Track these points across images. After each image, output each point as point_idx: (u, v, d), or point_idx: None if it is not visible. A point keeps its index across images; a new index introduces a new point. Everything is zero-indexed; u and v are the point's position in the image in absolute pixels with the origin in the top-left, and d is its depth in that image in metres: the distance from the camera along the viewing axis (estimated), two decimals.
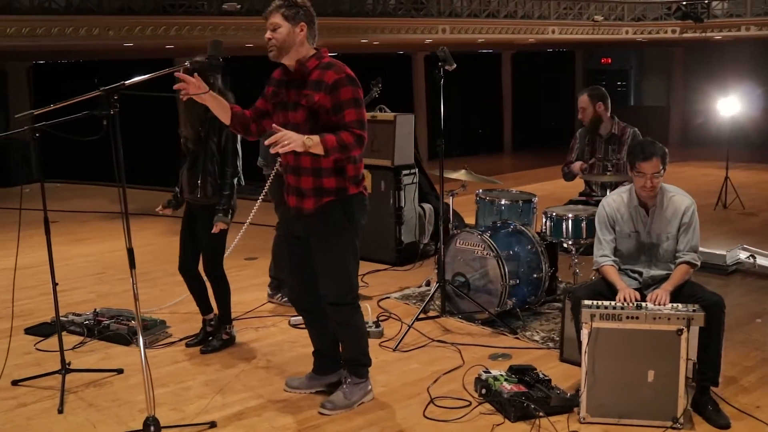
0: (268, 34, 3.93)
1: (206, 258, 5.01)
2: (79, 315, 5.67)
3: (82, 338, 5.40)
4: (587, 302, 4.04)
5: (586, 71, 25.58)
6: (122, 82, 3.65)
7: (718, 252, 6.77)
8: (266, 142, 3.74)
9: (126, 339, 5.29)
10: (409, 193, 7.11)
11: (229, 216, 4.85)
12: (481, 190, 6.14)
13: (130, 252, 3.76)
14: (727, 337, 5.12)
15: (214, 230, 4.76)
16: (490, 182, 5.97)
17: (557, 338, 5.10)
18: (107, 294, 6.50)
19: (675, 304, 3.98)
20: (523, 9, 18.11)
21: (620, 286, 4.19)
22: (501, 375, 4.34)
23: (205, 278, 5.11)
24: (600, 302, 4.03)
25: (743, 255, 6.88)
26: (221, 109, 4.07)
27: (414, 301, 6.07)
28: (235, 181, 4.87)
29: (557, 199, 7.32)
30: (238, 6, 13.80)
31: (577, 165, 5.92)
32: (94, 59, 16.06)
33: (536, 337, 5.23)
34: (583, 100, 6.00)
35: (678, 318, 3.86)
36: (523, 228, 5.66)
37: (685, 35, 19.39)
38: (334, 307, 4.12)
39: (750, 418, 4.05)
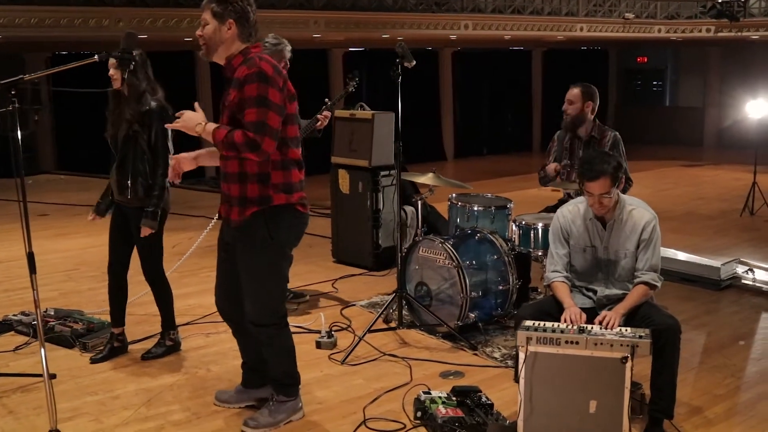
0: (198, 31, 3.69)
1: (143, 261, 4.77)
2: (28, 314, 5.48)
3: (27, 339, 5.22)
4: (528, 323, 3.72)
5: (621, 70, 24.92)
6: (21, 76, 3.44)
7: (712, 264, 6.34)
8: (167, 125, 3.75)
9: (69, 342, 5.09)
10: (387, 195, 6.81)
11: (158, 219, 4.58)
12: (454, 195, 5.82)
13: (30, 257, 3.55)
14: (703, 361, 4.80)
15: (142, 234, 4.53)
16: (460, 186, 5.64)
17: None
18: (70, 292, 6.33)
19: (623, 329, 3.64)
20: (551, 5, 17.59)
21: (567, 304, 3.86)
22: (440, 397, 4.04)
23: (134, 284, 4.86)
24: (541, 324, 3.70)
25: (740, 269, 6.45)
26: (213, 155, 3.93)
27: (379, 310, 5.76)
28: (167, 181, 4.60)
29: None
30: None
31: (552, 166, 5.55)
32: (103, 51, 15.94)
33: (496, 354, 4.90)
34: (575, 93, 5.56)
35: (621, 344, 3.51)
36: (490, 236, 5.32)
37: (720, 34, 18.69)
38: (255, 327, 3.87)
39: None
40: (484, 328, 5.20)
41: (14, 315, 5.53)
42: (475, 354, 4.92)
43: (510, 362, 4.75)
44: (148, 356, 4.88)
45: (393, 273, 6.75)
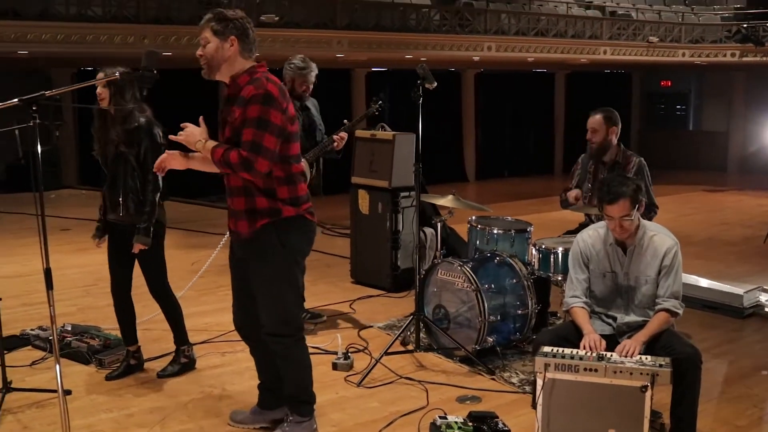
0: (198, 51, 3.70)
1: (147, 277, 4.74)
2: (45, 329, 5.49)
3: (43, 354, 5.22)
4: (546, 349, 3.67)
5: (644, 94, 24.83)
6: (42, 93, 3.45)
7: (735, 292, 6.25)
8: (171, 137, 3.72)
9: (85, 358, 5.09)
10: (407, 216, 6.77)
11: (152, 234, 4.55)
12: (474, 218, 5.77)
13: (48, 273, 3.55)
14: (724, 390, 4.71)
15: (134, 250, 4.51)
16: (479, 209, 5.60)
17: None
18: (87, 308, 6.34)
19: (643, 357, 3.58)
20: (574, 28, 17.62)
21: (586, 330, 3.81)
22: (455, 422, 3.99)
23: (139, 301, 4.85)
24: (559, 350, 3.66)
25: (763, 297, 6.35)
26: (205, 161, 3.85)
27: (397, 333, 5.72)
28: (157, 197, 4.58)
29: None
30: (276, 18, 13.69)
31: (572, 194, 5.49)
32: (135, 67, 16.12)
33: (514, 380, 4.84)
34: (597, 121, 5.48)
35: (642, 373, 3.46)
36: (510, 260, 5.27)
37: (744, 59, 18.62)
38: (271, 337, 3.84)
39: None
40: (502, 353, 5.14)
41: (32, 329, 5.54)
42: (493, 379, 4.86)
43: (528, 388, 4.68)
44: (163, 374, 4.87)
45: (411, 295, 6.71)
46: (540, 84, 22.45)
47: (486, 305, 4.94)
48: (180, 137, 3.71)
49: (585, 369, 3.51)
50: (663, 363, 3.50)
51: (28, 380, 4.81)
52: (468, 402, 4.52)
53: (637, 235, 3.93)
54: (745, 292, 6.21)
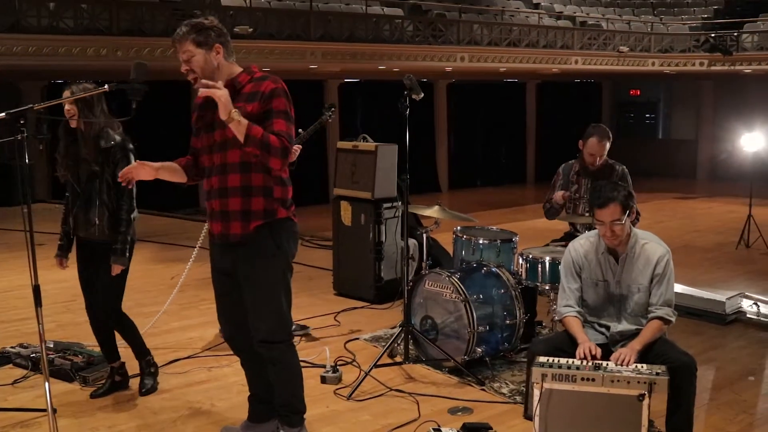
0: (183, 66, 3.64)
1: (103, 299, 4.60)
2: (26, 347, 5.39)
3: (25, 372, 5.12)
4: (542, 359, 3.66)
5: (614, 103, 25.08)
6: (30, 105, 3.39)
7: (717, 299, 6.30)
8: (202, 82, 3.52)
9: (69, 375, 4.99)
10: (390, 227, 6.76)
11: (128, 254, 4.48)
12: (458, 228, 5.77)
13: (36, 289, 3.47)
14: (713, 397, 4.74)
15: (113, 272, 4.42)
16: (465, 219, 5.60)
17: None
18: (68, 324, 6.23)
19: (639, 366, 3.59)
20: (546, 38, 17.73)
21: (581, 339, 3.81)
22: None
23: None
24: (555, 360, 3.65)
25: (745, 303, 6.41)
26: (174, 171, 3.84)
27: (383, 344, 5.68)
28: (132, 216, 4.51)
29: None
30: (250, 29, 13.63)
31: (559, 194, 5.51)
32: (108, 80, 15.96)
33: (504, 390, 4.82)
34: (603, 146, 5.47)
35: (639, 381, 3.46)
36: (497, 270, 5.27)
37: (713, 68, 18.87)
38: (265, 345, 3.78)
39: None
40: (491, 363, 5.13)
41: (12, 347, 5.43)
42: (483, 389, 4.84)
43: (519, 398, 4.68)
44: (145, 392, 4.76)
45: (395, 306, 6.70)
46: (511, 94, 22.58)
47: (475, 315, 4.93)
48: (218, 94, 3.46)
49: (582, 378, 3.51)
50: (660, 371, 3.51)
51: (11, 399, 4.72)
52: (459, 413, 4.50)
53: (628, 243, 3.94)
54: (727, 299, 6.27)
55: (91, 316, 4.72)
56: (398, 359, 5.31)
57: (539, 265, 5.10)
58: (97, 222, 4.43)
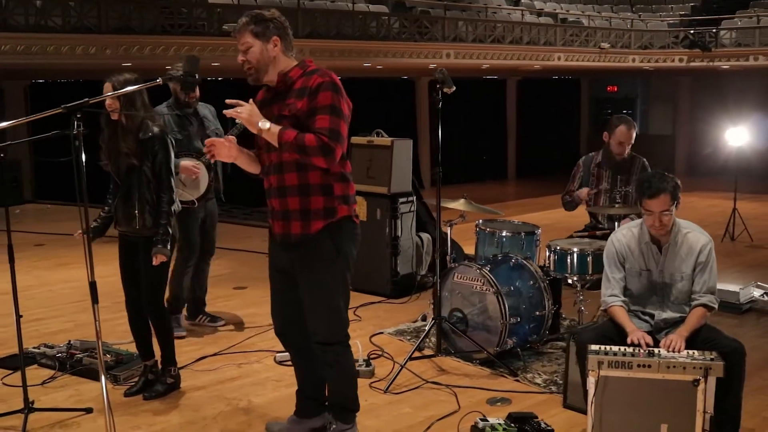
0: (240, 57, 3.62)
1: (147, 293, 4.57)
2: (51, 347, 5.33)
3: (53, 372, 5.06)
4: (594, 347, 3.70)
5: (592, 99, 25.33)
6: (86, 99, 3.36)
7: (731, 289, 6.40)
8: (226, 112, 3.50)
9: (99, 374, 4.93)
10: (406, 222, 6.78)
11: (169, 246, 4.46)
12: (481, 221, 5.81)
13: (93, 285, 3.45)
14: (745, 384, 4.79)
15: (155, 262, 4.37)
16: (490, 212, 5.64)
17: (560, 382, 4.76)
18: (86, 324, 6.15)
19: (691, 352, 3.64)
20: (529, 35, 17.85)
21: (630, 328, 3.86)
22: (499, 424, 4.00)
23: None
24: (608, 347, 3.69)
25: (757, 293, 6.53)
26: (252, 160, 3.79)
27: (409, 338, 5.71)
28: (173, 207, 4.48)
29: (564, 229, 7.00)
30: None
31: (584, 191, 5.59)
32: (93, 79, 15.81)
33: (538, 380, 4.87)
34: (631, 135, 5.60)
35: (694, 367, 3.52)
36: (524, 262, 5.32)
37: (692, 64, 19.11)
38: (322, 346, 3.76)
39: None
40: (521, 355, 5.16)
41: (35, 348, 5.36)
42: (517, 380, 4.88)
43: (554, 388, 4.72)
44: (149, 396, 4.66)
45: (413, 300, 6.74)
46: (492, 90, 22.69)
47: (507, 307, 4.97)
48: (242, 114, 3.49)
49: (638, 365, 3.55)
50: (713, 357, 3.56)
51: (44, 399, 4.66)
52: (499, 404, 4.53)
53: (672, 232, 3.99)
54: (741, 289, 6.38)
55: (132, 312, 4.68)
56: (427, 352, 5.33)
57: (568, 257, 5.15)
58: (137, 214, 4.40)
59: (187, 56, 3.63)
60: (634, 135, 5.54)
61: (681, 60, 19.19)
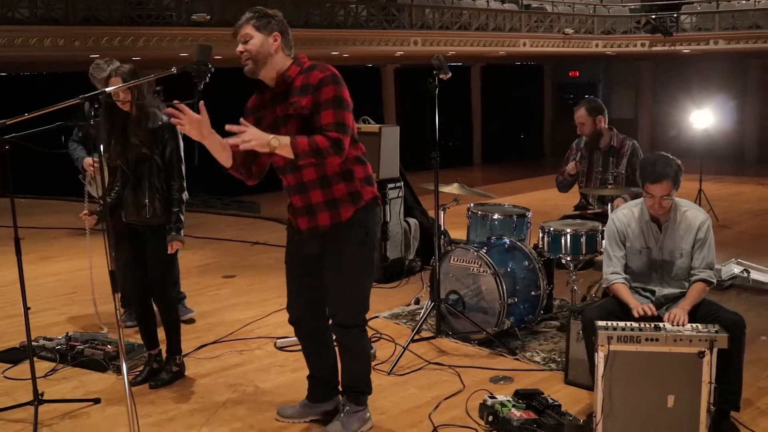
0: (239, 47, 3.63)
1: (156, 282, 4.59)
2: (50, 339, 5.31)
3: (53, 365, 5.04)
4: (601, 323, 3.80)
5: (555, 84, 25.62)
6: (103, 90, 3.36)
7: None
8: (230, 141, 3.39)
9: (102, 365, 4.95)
10: (394, 207, 6.85)
11: (182, 233, 4.49)
12: (472, 205, 5.90)
13: (112, 274, 3.46)
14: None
15: (170, 250, 4.40)
16: (484, 196, 5.74)
17: (559, 359, 4.89)
18: (78, 316, 6.13)
19: (695, 325, 3.77)
20: (495, 22, 18.03)
21: (633, 303, 3.98)
22: (508, 401, 4.09)
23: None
24: (615, 323, 3.80)
25: (737, 269, 6.72)
26: (221, 148, 3.54)
27: (404, 321, 5.80)
28: (183, 195, 4.51)
29: (540, 212, 7.10)
30: (208, 17, 13.50)
31: (571, 164, 5.74)
32: (58, 71, 15.63)
33: (537, 358, 4.99)
34: (581, 114, 5.75)
35: (700, 339, 3.64)
36: (518, 244, 5.42)
37: (654, 48, 19.46)
38: (342, 329, 3.83)
39: None
40: (518, 334, 5.28)
41: (33, 341, 5.33)
42: (516, 359, 4.99)
43: (553, 365, 4.84)
44: (155, 385, 4.67)
45: (403, 285, 6.82)
46: (457, 77, 22.82)
47: (505, 288, 5.07)
48: (251, 143, 3.34)
49: (646, 339, 3.66)
50: (717, 329, 3.70)
51: (49, 391, 4.63)
52: (502, 382, 4.64)
53: (671, 211, 4.12)
54: (722, 266, 6.56)
55: (139, 302, 4.68)
56: (425, 334, 5.41)
57: (562, 238, 5.26)
58: (147, 203, 4.41)
59: (199, 45, 3.64)
60: (597, 118, 5.66)
61: (643, 45, 19.53)
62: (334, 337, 4.02)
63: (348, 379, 3.98)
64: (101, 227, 3.50)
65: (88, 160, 5.40)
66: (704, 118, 13.97)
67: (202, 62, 3.60)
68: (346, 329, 3.81)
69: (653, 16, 19.41)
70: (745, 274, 6.68)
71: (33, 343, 5.24)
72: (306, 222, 3.73)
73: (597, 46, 19.74)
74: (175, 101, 3.47)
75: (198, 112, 3.40)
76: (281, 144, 3.42)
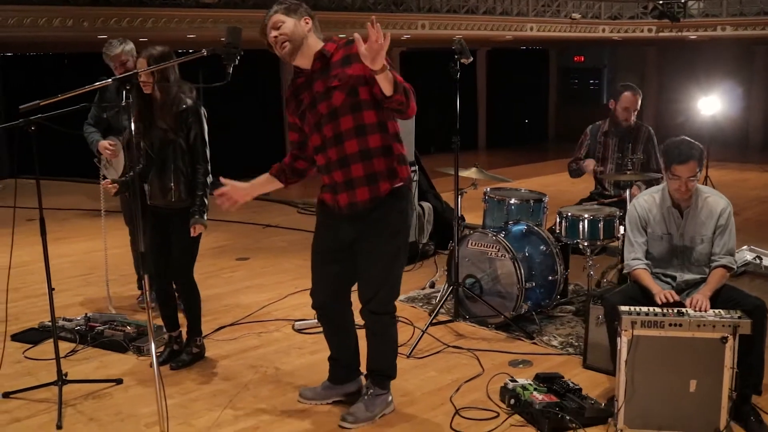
0: (273, 34, 3.64)
1: (178, 264, 4.61)
2: (69, 320, 5.34)
3: (74, 345, 5.08)
4: (624, 308, 3.83)
5: (560, 69, 25.56)
6: (135, 71, 3.37)
7: None
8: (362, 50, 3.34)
9: (122, 346, 4.98)
10: None
11: (206, 216, 4.51)
12: (489, 189, 5.91)
13: (143, 256, 3.49)
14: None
15: (193, 233, 4.43)
16: (501, 180, 5.75)
17: (576, 343, 4.92)
18: (96, 298, 6.16)
19: (717, 311, 3.80)
20: (502, 6, 17.97)
21: (656, 289, 4.01)
22: (530, 384, 4.13)
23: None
24: (638, 308, 3.83)
25: (750, 256, 6.75)
26: (267, 183, 4.01)
27: (420, 304, 5.83)
28: (208, 179, 4.52)
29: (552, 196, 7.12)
30: None
31: (590, 164, 5.73)
32: (64, 52, 15.60)
33: (554, 343, 5.02)
34: (637, 100, 5.75)
35: (723, 325, 3.67)
36: (536, 228, 5.45)
37: (661, 34, 19.41)
38: (374, 315, 3.85)
39: None
40: (534, 318, 5.31)
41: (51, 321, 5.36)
42: (534, 343, 5.02)
43: (570, 350, 4.88)
44: (176, 366, 4.70)
45: (417, 268, 6.84)
46: None
47: (523, 272, 5.10)
48: (381, 45, 3.26)
49: (670, 324, 3.70)
50: (739, 314, 3.73)
51: (71, 372, 4.65)
52: (521, 366, 4.67)
53: (692, 197, 4.14)
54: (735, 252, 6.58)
55: (160, 284, 4.70)
56: (441, 318, 5.44)
57: (579, 223, 5.27)
58: (173, 187, 4.43)
59: (228, 27, 3.64)
60: (639, 101, 5.68)
61: (650, 30, 19.47)
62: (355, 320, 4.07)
63: (374, 364, 4.01)
64: (129, 207, 3.50)
65: (104, 143, 5.39)
66: (711, 104, 13.96)
67: (232, 44, 3.61)
68: (377, 315, 3.83)
69: (660, 2, 19.32)
70: (758, 261, 6.70)
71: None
72: (346, 197, 3.70)
73: (604, 31, 19.68)
74: (220, 177, 3.83)
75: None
76: (387, 73, 3.37)
